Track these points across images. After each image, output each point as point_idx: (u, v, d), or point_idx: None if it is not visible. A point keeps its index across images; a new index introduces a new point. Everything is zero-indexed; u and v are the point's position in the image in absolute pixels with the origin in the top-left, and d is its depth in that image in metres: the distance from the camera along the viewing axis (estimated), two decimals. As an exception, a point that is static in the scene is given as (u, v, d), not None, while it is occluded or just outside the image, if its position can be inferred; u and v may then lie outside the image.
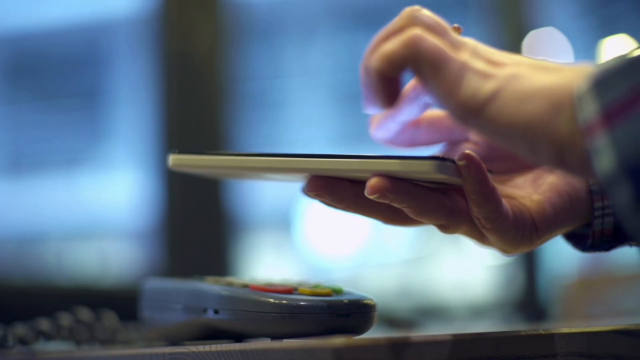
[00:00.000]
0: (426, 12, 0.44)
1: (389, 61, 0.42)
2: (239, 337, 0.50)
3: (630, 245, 0.50)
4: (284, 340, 0.45)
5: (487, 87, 0.40)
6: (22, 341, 0.59)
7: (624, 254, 1.74)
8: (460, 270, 2.80)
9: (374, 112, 0.46)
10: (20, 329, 0.59)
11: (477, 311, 2.45)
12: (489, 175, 0.46)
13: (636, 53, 0.35)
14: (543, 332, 0.46)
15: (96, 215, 2.66)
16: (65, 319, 0.63)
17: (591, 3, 2.99)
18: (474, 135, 0.53)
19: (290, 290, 0.48)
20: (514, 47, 2.35)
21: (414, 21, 0.43)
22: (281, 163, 0.51)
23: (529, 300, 2.26)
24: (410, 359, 0.41)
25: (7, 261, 2.18)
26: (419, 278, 2.78)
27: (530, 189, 0.50)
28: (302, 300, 0.46)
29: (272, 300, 0.46)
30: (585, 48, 2.78)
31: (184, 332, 0.52)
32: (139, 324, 0.63)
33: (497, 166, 0.52)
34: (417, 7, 0.44)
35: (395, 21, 0.44)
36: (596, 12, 2.95)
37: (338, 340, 0.39)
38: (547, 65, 0.40)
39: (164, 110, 1.72)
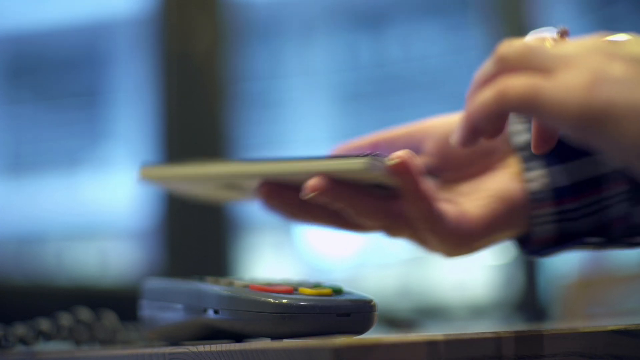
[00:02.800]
0: (513, 49, 0.42)
1: (484, 113, 0.42)
2: (239, 337, 0.50)
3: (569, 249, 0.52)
4: (284, 340, 0.45)
5: (595, 95, 0.37)
6: (22, 341, 0.59)
7: (624, 254, 1.74)
8: (460, 270, 2.80)
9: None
10: (20, 329, 0.59)
11: (477, 311, 2.45)
12: (424, 177, 0.47)
13: None
14: (543, 332, 0.46)
15: (96, 215, 2.66)
16: (65, 319, 0.63)
17: (591, 3, 2.99)
18: (427, 147, 0.54)
19: (290, 290, 0.48)
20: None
21: (502, 66, 0.42)
22: (232, 169, 0.51)
23: (529, 300, 2.26)
24: (410, 359, 0.41)
25: (7, 261, 2.18)
26: (419, 278, 2.78)
27: (473, 195, 0.52)
28: (302, 300, 0.46)
29: (272, 300, 0.46)
30: (585, 48, 2.78)
31: (184, 332, 0.52)
32: (139, 324, 0.63)
33: (448, 174, 0.53)
34: (505, 45, 0.42)
35: (486, 67, 0.43)
36: (596, 12, 2.95)
37: (338, 340, 0.39)
38: None
39: (164, 110, 1.73)
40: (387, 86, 3.20)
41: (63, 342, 0.63)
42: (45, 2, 2.82)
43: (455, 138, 0.45)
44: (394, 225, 0.51)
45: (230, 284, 0.50)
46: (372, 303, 0.49)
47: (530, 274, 2.26)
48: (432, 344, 0.43)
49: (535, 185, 0.51)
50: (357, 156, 0.47)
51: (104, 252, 2.60)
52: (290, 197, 0.51)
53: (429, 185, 0.48)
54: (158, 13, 1.74)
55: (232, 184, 0.54)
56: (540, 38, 0.42)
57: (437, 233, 0.49)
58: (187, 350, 0.45)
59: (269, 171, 0.50)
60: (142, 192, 1.76)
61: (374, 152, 0.48)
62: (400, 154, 0.47)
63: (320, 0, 3.28)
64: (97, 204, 2.64)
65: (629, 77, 0.37)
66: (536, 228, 0.51)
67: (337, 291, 0.49)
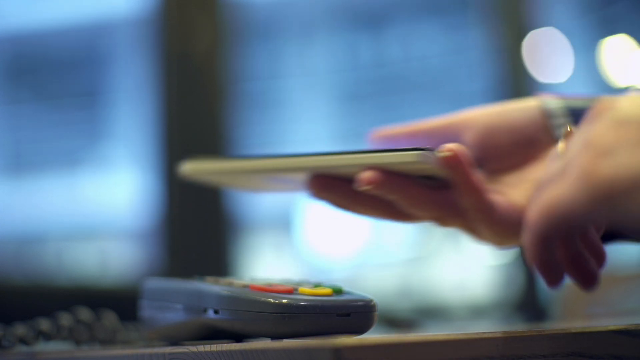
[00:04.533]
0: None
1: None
2: (239, 337, 0.50)
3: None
4: (284, 340, 0.45)
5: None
6: (22, 341, 0.59)
7: (624, 254, 1.73)
8: (460, 270, 2.80)
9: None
10: (20, 329, 0.59)
11: (477, 311, 2.45)
12: (475, 169, 0.48)
13: None
14: (543, 332, 0.46)
15: (96, 215, 2.66)
16: (65, 319, 0.63)
17: (591, 3, 2.99)
18: (467, 138, 0.54)
19: (290, 290, 0.48)
20: (514, 47, 2.35)
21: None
22: (283, 163, 0.51)
23: (529, 300, 2.26)
24: (410, 359, 0.41)
25: (7, 261, 2.18)
26: (419, 278, 2.78)
27: (520, 186, 0.52)
28: (302, 300, 0.46)
29: (272, 300, 0.46)
30: (586, 48, 2.78)
31: (184, 332, 0.52)
32: (139, 324, 0.63)
33: (489, 165, 0.54)
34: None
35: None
36: (596, 12, 2.95)
37: (338, 340, 0.39)
38: None
39: (164, 110, 1.72)
40: (387, 86, 3.20)
41: (63, 342, 0.63)
42: (45, 2, 2.82)
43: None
44: (446, 216, 0.51)
45: (230, 284, 0.50)
46: (372, 303, 0.49)
47: (530, 274, 2.26)
48: (432, 344, 0.43)
49: None
50: (409, 149, 0.47)
51: (104, 252, 2.60)
52: (342, 189, 0.51)
53: (479, 176, 0.49)
54: (158, 13, 1.74)
55: (279, 177, 0.54)
56: None
57: (488, 223, 0.49)
58: (187, 350, 0.45)
59: (321, 164, 0.51)
60: (142, 192, 1.76)
61: (426, 145, 0.48)
62: (451, 147, 0.47)
63: (320, 0, 3.28)
64: (97, 204, 2.64)
65: (623, 144, 0.36)
66: None
67: (337, 291, 0.49)
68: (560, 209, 0.37)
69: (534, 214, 0.39)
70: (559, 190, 0.37)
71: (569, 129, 0.46)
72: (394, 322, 1.01)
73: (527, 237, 0.40)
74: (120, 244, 2.52)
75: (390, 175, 0.48)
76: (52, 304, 0.90)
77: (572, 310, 1.55)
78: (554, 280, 0.43)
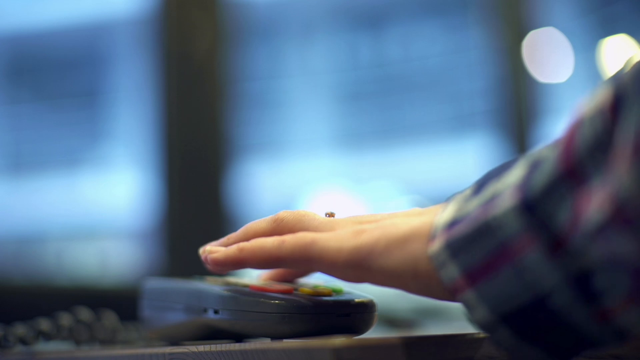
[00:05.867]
0: (291, 214, 0.49)
1: (260, 256, 0.47)
2: (239, 337, 0.50)
3: None
4: (284, 340, 0.45)
5: (361, 240, 0.44)
6: (22, 341, 0.59)
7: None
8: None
9: None
10: (20, 329, 0.59)
11: (477, 311, 2.45)
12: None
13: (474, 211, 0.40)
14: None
15: (96, 215, 2.66)
16: (65, 319, 0.63)
17: (591, 3, 2.99)
18: None
19: (290, 290, 0.48)
20: (514, 47, 2.35)
21: (279, 225, 0.49)
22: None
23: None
24: (410, 359, 0.41)
25: (7, 261, 2.18)
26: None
27: None
28: (302, 300, 0.46)
29: (272, 300, 0.46)
30: (585, 48, 2.78)
31: (184, 332, 0.52)
32: (139, 324, 0.63)
33: None
34: (284, 211, 0.50)
35: (261, 224, 0.50)
36: (596, 12, 2.95)
37: (338, 340, 0.39)
38: (413, 212, 0.46)
39: (164, 110, 1.72)
40: (387, 86, 3.20)
41: (63, 342, 0.63)
42: (45, 2, 2.82)
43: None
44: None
45: (230, 284, 0.50)
46: (372, 303, 0.49)
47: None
48: (431, 344, 0.43)
49: None
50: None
51: (104, 252, 2.60)
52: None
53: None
54: (158, 13, 1.74)
55: None
56: (312, 212, 0.49)
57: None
58: (187, 350, 0.45)
59: None
60: (142, 192, 1.76)
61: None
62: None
63: (320, 0, 3.28)
64: (97, 204, 2.64)
65: (376, 226, 0.45)
66: None
67: (337, 291, 0.49)
68: (321, 247, 0.45)
69: (298, 235, 0.46)
70: (327, 234, 0.46)
71: (331, 212, 0.51)
72: (394, 322, 1.01)
73: (270, 241, 0.47)
74: (120, 244, 2.52)
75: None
76: (52, 304, 0.90)
77: None
78: (225, 268, 0.49)
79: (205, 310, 0.49)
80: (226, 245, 0.50)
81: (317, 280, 0.54)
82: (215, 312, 0.49)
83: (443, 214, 0.42)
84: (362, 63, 3.24)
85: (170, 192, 1.69)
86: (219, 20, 1.78)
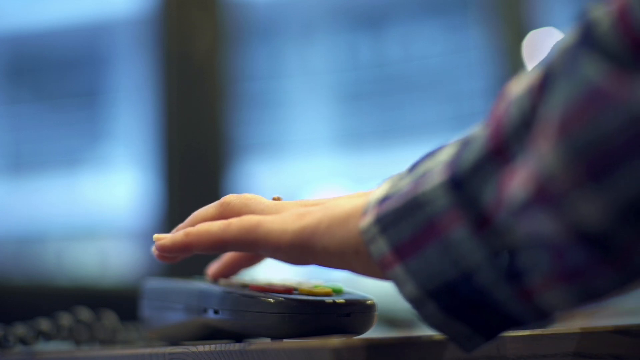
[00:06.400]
0: (237, 198, 0.50)
1: (206, 240, 0.48)
2: (239, 337, 0.50)
3: None
4: (284, 340, 0.45)
5: (305, 221, 0.45)
6: (22, 341, 0.59)
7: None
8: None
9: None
10: (20, 329, 0.59)
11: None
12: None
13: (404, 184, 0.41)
14: (543, 332, 0.46)
15: (96, 215, 2.65)
16: (65, 319, 0.63)
17: (591, 3, 2.99)
18: None
19: (290, 290, 0.48)
20: (514, 47, 2.35)
21: (225, 209, 0.50)
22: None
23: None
24: (410, 359, 0.41)
25: (7, 261, 2.18)
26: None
27: None
28: (302, 300, 0.46)
29: (272, 300, 0.46)
30: (585, 48, 2.77)
31: (184, 332, 0.52)
32: (139, 324, 0.63)
33: None
34: (230, 195, 0.50)
35: (208, 210, 0.50)
36: (596, 12, 2.94)
37: (338, 340, 0.39)
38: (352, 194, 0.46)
39: (164, 110, 1.72)
40: (387, 86, 3.20)
41: (63, 342, 0.63)
42: (45, 2, 2.82)
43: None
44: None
45: (230, 284, 0.50)
46: (372, 303, 0.48)
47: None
48: (432, 344, 0.43)
49: None
50: None
51: (104, 252, 2.60)
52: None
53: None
54: (158, 13, 1.74)
55: None
56: (259, 196, 0.50)
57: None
58: (187, 350, 0.45)
59: None
60: (142, 192, 1.76)
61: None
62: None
63: (320, 0, 3.28)
64: (97, 204, 2.64)
65: (319, 207, 0.45)
66: None
67: (337, 291, 0.49)
68: (266, 229, 0.46)
69: (244, 218, 0.47)
70: (272, 217, 0.46)
71: (277, 197, 0.52)
72: (394, 322, 1.01)
73: (216, 225, 0.47)
74: (120, 244, 2.52)
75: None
76: (52, 304, 0.90)
77: (572, 310, 1.55)
78: (171, 256, 0.49)
79: (205, 310, 0.49)
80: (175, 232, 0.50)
81: (318, 280, 0.54)
82: (215, 312, 0.49)
83: (376, 191, 0.43)
84: (362, 63, 3.24)
85: (170, 192, 1.69)
86: (219, 20, 1.78)
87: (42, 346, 0.60)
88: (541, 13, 2.49)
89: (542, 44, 2.46)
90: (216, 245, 0.47)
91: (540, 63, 0.38)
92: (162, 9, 1.74)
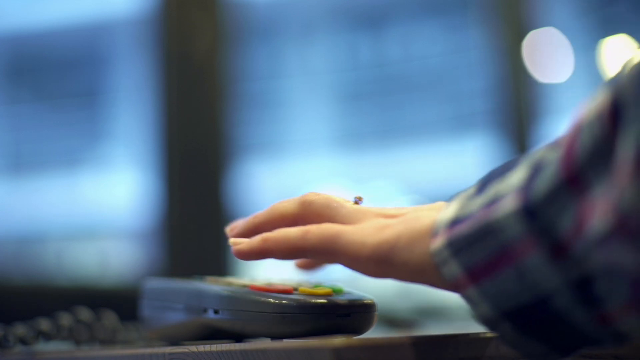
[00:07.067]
0: (320, 198, 0.49)
1: (284, 246, 0.47)
2: (239, 337, 0.50)
3: None
4: (284, 340, 0.45)
5: (385, 235, 0.44)
6: (22, 341, 0.59)
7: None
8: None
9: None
10: (20, 329, 0.59)
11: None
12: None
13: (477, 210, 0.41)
14: (543, 332, 0.46)
15: (96, 215, 2.65)
16: (65, 319, 0.63)
17: (591, 3, 2.99)
18: None
19: (290, 290, 0.48)
20: (514, 47, 2.35)
21: (306, 209, 0.49)
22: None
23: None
24: (410, 359, 0.41)
25: (7, 261, 2.18)
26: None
27: None
28: (302, 300, 0.46)
29: (272, 300, 0.46)
30: (585, 48, 2.78)
31: (184, 332, 0.52)
32: (139, 324, 0.63)
33: None
34: (312, 194, 0.49)
35: (288, 205, 0.49)
36: (596, 12, 2.95)
37: (338, 340, 0.39)
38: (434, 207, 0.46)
39: (164, 110, 1.72)
40: (387, 86, 3.20)
41: (63, 342, 0.63)
42: (45, 2, 2.82)
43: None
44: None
45: (230, 284, 0.50)
46: (372, 303, 0.48)
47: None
48: (432, 344, 0.43)
49: None
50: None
51: (104, 252, 2.60)
52: None
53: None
54: (158, 13, 1.74)
55: None
56: (341, 197, 0.49)
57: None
58: (187, 350, 0.45)
59: None
60: (142, 192, 1.76)
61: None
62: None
63: (320, 0, 3.28)
64: (97, 204, 2.64)
65: (399, 220, 0.45)
66: None
67: (337, 291, 0.49)
68: (346, 240, 0.45)
69: (323, 226, 0.46)
70: (353, 227, 0.46)
71: (359, 197, 0.51)
72: (394, 322, 1.01)
73: (294, 231, 0.46)
74: (120, 244, 2.52)
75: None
76: (52, 304, 0.90)
77: None
78: (249, 257, 0.48)
79: (205, 310, 0.49)
80: (251, 224, 0.50)
81: (317, 280, 0.54)
82: (215, 312, 0.49)
83: (446, 212, 0.42)
84: (362, 63, 3.24)
85: (170, 192, 1.69)
86: (219, 20, 1.78)
87: (42, 346, 0.60)
88: (541, 13, 2.49)
89: (542, 44, 2.46)
90: (294, 253, 0.47)
91: (608, 84, 0.38)
92: (162, 9, 1.74)
